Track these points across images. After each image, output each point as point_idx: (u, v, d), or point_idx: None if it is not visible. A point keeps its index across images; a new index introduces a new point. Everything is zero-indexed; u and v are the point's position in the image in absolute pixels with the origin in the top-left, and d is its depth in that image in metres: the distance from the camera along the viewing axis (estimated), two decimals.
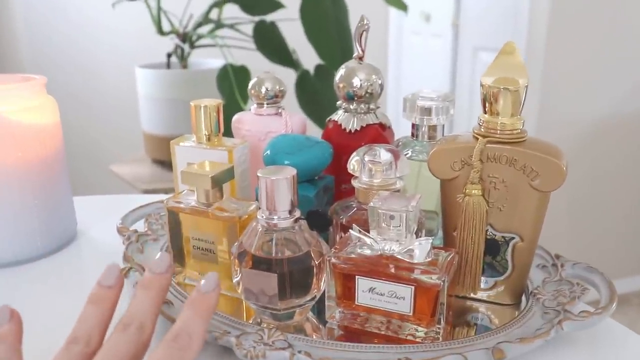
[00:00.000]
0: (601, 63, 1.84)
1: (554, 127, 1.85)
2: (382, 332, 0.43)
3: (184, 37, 1.61)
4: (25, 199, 0.57)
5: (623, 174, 1.99)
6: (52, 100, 0.60)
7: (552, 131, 1.83)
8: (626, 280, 2.08)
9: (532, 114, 1.83)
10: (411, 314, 0.42)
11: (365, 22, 0.55)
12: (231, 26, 1.58)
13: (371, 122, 0.56)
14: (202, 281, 0.35)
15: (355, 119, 0.56)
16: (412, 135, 0.56)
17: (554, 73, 1.82)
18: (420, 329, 0.42)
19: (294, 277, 0.43)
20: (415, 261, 0.41)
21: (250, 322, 0.45)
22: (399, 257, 0.41)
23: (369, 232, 0.42)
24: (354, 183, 0.48)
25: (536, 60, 1.81)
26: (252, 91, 0.59)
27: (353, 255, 0.42)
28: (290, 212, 0.42)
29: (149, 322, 0.34)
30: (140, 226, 0.60)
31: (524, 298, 0.49)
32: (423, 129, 0.55)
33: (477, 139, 0.44)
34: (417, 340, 0.42)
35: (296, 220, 0.43)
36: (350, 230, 0.43)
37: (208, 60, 1.75)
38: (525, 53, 1.83)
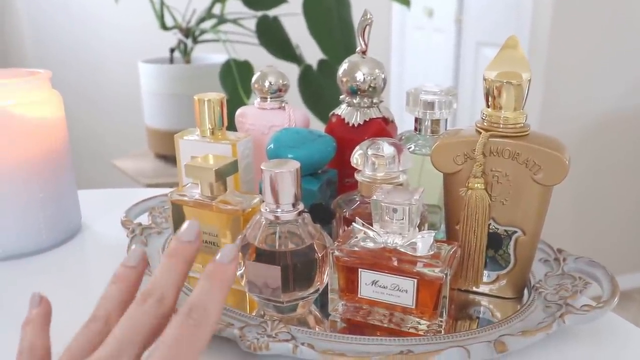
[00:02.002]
0: (604, 57, 1.83)
1: (557, 122, 1.85)
2: (385, 325, 0.44)
3: (187, 32, 1.61)
4: (30, 192, 0.57)
5: (626, 168, 1.99)
6: (57, 94, 0.60)
7: (555, 126, 1.83)
8: (629, 276, 2.07)
9: (535, 109, 1.83)
10: (414, 306, 0.42)
11: (368, 17, 0.55)
12: (234, 21, 1.58)
13: (374, 116, 0.56)
14: (220, 252, 0.34)
15: (359, 113, 0.56)
16: (415, 129, 0.56)
17: (556, 68, 1.81)
18: (422, 321, 0.42)
19: (297, 269, 0.43)
20: (418, 254, 0.41)
21: (254, 314, 0.45)
22: (401, 250, 0.41)
23: (372, 226, 0.43)
24: (357, 177, 0.48)
25: (539, 55, 1.81)
26: (256, 85, 0.60)
27: (356, 248, 0.43)
28: (294, 205, 0.43)
29: (171, 294, 0.33)
30: (144, 219, 0.60)
31: (526, 292, 0.49)
32: (426, 123, 0.55)
33: (480, 133, 0.44)
34: (420, 333, 0.42)
35: (299, 214, 0.43)
36: (353, 223, 0.44)
37: (211, 55, 1.75)
38: (528, 48, 1.82)
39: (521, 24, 1.87)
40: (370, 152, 0.46)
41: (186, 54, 1.64)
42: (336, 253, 0.43)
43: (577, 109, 1.87)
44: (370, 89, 0.55)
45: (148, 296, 0.32)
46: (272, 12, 1.49)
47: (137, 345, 0.30)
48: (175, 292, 0.33)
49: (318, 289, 0.45)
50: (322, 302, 0.47)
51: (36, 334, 0.33)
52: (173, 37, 1.63)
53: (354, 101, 0.56)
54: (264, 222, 0.43)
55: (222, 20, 1.58)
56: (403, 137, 0.56)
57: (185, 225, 0.36)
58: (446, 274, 0.40)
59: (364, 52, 0.56)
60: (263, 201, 0.43)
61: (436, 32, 2.59)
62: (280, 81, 0.59)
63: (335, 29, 1.39)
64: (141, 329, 0.31)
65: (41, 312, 0.34)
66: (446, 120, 0.55)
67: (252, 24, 1.50)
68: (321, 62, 1.47)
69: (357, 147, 0.48)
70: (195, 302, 0.31)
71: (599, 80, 1.86)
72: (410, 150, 0.54)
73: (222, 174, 0.48)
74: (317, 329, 0.44)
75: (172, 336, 0.29)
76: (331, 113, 0.59)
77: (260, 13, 1.49)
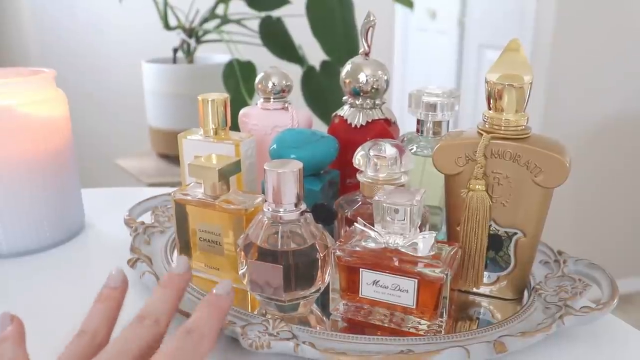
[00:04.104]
0: (607, 61, 1.83)
1: (559, 125, 1.85)
2: (386, 325, 0.44)
3: (191, 32, 1.61)
4: (34, 190, 0.58)
5: (628, 172, 1.99)
6: (62, 93, 0.60)
7: (558, 129, 1.83)
8: (629, 280, 2.07)
9: (538, 112, 1.83)
10: (414, 307, 0.42)
11: (371, 19, 0.55)
12: (237, 21, 1.58)
13: (377, 118, 0.56)
14: (217, 286, 0.37)
15: (361, 114, 0.56)
16: (417, 130, 0.56)
17: (559, 70, 1.81)
18: (423, 322, 0.43)
19: (299, 269, 0.43)
20: (419, 255, 0.41)
21: (256, 313, 0.45)
22: (402, 250, 0.42)
23: (373, 226, 0.43)
24: (359, 177, 0.48)
25: (542, 58, 1.81)
26: (259, 86, 0.60)
27: (357, 248, 0.43)
28: (296, 205, 0.43)
29: (165, 318, 0.35)
30: (147, 218, 0.61)
31: (526, 293, 0.49)
32: (428, 124, 0.55)
33: (482, 134, 0.45)
34: (420, 333, 0.43)
35: (302, 213, 0.44)
36: (355, 223, 0.44)
37: (214, 55, 1.76)
38: (531, 50, 1.83)
39: (524, 27, 1.87)
40: (372, 153, 0.47)
41: (189, 54, 1.65)
42: (338, 253, 0.43)
43: (579, 112, 1.87)
44: (372, 91, 0.56)
45: (143, 318, 0.34)
46: (275, 13, 1.49)
47: (131, 357, 0.32)
48: (168, 317, 0.35)
49: (319, 289, 0.45)
50: (323, 301, 0.47)
51: (16, 349, 0.34)
52: (176, 37, 1.63)
53: (357, 102, 0.57)
54: (266, 222, 0.44)
55: (225, 20, 1.59)
56: (405, 139, 0.57)
57: (176, 260, 0.40)
58: (447, 275, 0.41)
59: (366, 54, 0.56)
60: (265, 201, 0.44)
61: (439, 34, 2.59)
62: (284, 82, 0.60)
63: (338, 30, 1.39)
64: (137, 343, 0.33)
65: (15, 329, 0.35)
66: (448, 122, 0.55)
67: (255, 24, 1.51)
68: (324, 63, 1.48)
69: (359, 148, 0.48)
70: (193, 324, 0.33)
71: (601, 84, 1.86)
72: (412, 151, 0.55)
73: (225, 174, 0.48)
74: (318, 328, 0.44)
75: (171, 348, 0.32)
76: (334, 114, 0.59)
77: (263, 14, 1.49)
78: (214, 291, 0.36)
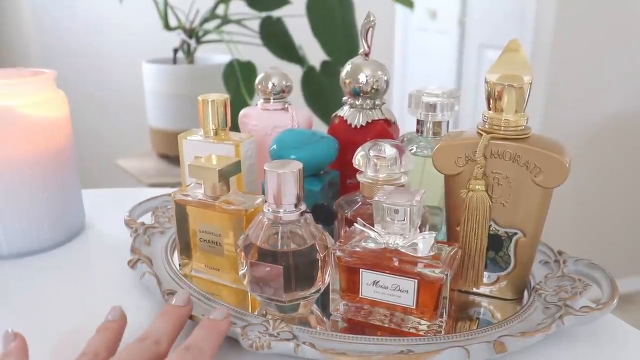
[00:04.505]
0: (607, 61, 1.83)
1: (559, 125, 1.85)
2: (386, 325, 0.44)
3: (191, 33, 1.61)
4: (35, 191, 0.58)
5: (628, 172, 1.98)
6: (62, 94, 0.60)
7: (558, 129, 1.83)
8: (629, 279, 2.07)
9: (538, 112, 1.83)
10: (414, 307, 0.42)
11: (371, 19, 0.55)
12: (237, 22, 1.58)
13: (377, 118, 0.56)
14: (212, 312, 0.39)
15: (361, 114, 0.56)
16: (417, 131, 0.56)
17: (560, 70, 1.81)
18: (423, 322, 0.43)
19: (299, 269, 0.43)
20: (419, 255, 0.41)
21: (256, 313, 0.45)
22: (402, 250, 0.42)
23: (373, 226, 0.43)
24: (359, 178, 0.48)
25: (542, 58, 1.81)
26: (259, 86, 0.60)
27: (357, 249, 0.43)
28: (296, 205, 0.43)
29: (166, 340, 0.36)
30: (148, 219, 0.61)
31: (526, 293, 0.49)
32: (428, 125, 0.55)
33: (481, 135, 0.45)
34: (420, 333, 0.43)
35: (302, 214, 0.44)
36: (354, 224, 0.44)
37: (214, 55, 1.76)
38: (532, 50, 1.82)
39: (525, 26, 1.87)
40: (372, 153, 0.47)
41: (189, 54, 1.65)
42: (338, 253, 0.43)
43: (579, 111, 1.87)
44: (372, 91, 0.56)
45: (145, 339, 0.36)
46: (275, 13, 1.49)
47: None
48: (170, 340, 0.37)
49: (319, 289, 0.45)
50: (323, 302, 0.47)
51: None
52: (176, 38, 1.64)
53: (357, 103, 0.57)
54: (266, 222, 0.44)
55: (225, 20, 1.59)
56: (405, 139, 0.57)
57: (177, 293, 0.42)
58: (446, 275, 0.41)
59: (366, 54, 0.56)
60: (265, 201, 0.44)
61: (439, 34, 2.59)
62: (284, 82, 0.60)
63: (339, 30, 1.39)
64: (137, 358, 0.34)
65: (19, 345, 0.36)
66: (448, 122, 0.55)
67: (255, 24, 1.51)
68: (324, 64, 1.48)
69: (359, 149, 0.48)
70: (192, 343, 0.35)
71: (601, 84, 1.86)
72: (412, 151, 0.55)
73: (225, 174, 0.49)
74: (318, 329, 0.44)
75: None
76: (334, 114, 0.59)
77: (263, 14, 1.49)
78: (210, 315, 0.38)
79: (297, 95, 1.34)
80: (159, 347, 0.35)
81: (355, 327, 0.45)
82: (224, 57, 1.66)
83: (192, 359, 0.34)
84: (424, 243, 0.41)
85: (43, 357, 0.36)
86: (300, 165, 0.43)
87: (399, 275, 0.42)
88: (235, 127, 0.60)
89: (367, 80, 0.55)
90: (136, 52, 2.05)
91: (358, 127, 0.56)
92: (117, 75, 2.20)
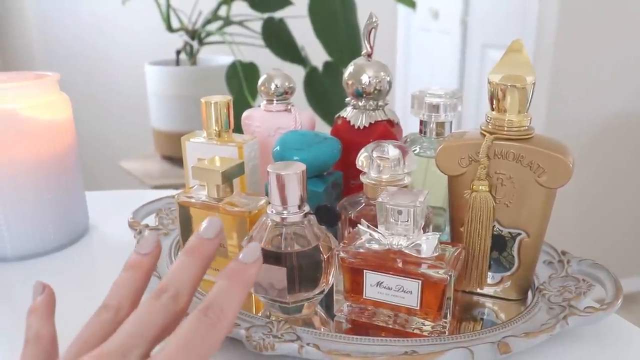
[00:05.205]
0: (610, 60, 1.83)
1: (562, 125, 1.84)
2: (390, 326, 0.44)
3: (193, 34, 1.62)
4: (38, 193, 0.58)
5: (631, 171, 1.98)
6: (65, 96, 0.61)
7: (561, 129, 1.83)
8: (634, 279, 2.07)
9: (541, 112, 1.83)
10: (418, 308, 0.42)
11: (374, 20, 0.55)
12: (240, 23, 1.58)
13: (380, 119, 0.56)
14: (243, 251, 0.33)
15: (364, 115, 0.56)
16: (420, 131, 0.56)
17: (562, 70, 1.81)
18: (427, 323, 0.43)
19: (303, 271, 0.43)
20: (423, 256, 0.41)
21: (260, 315, 0.46)
22: (406, 251, 0.42)
23: (377, 227, 0.43)
24: (363, 179, 0.48)
25: (545, 58, 1.80)
26: (262, 88, 0.60)
27: (361, 250, 0.43)
28: (300, 207, 0.43)
29: (186, 291, 0.32)
30: (151, 221, 0.61)
31: (530, 294, 0.49)
32: (431, 125, 0.55)
33: (485, 135, 0.45)
34: (424, 334, 0.43)
35: (305, 215, 0.44)
36: (358, 225, 0.44)
37: (217, 57, 1.76)
38: (534, 50, 1.82)
39: (527, 26, 1.87)
40: (375, 154, 0.47)
41: (192, 55, 1.65)
42: (341, 254, 0.43)
43: (582, 111, 1.87)
44: (375, 92, 0.56)
45: (162, 292, 0.32)
46: (277, 14, 1.49)
47: (148, 340, 0.30)
48: (190, 290, 0.32)
49: (323, 290, 0.45)
50: (327, 303, 0.47)
51: (41, 323, 0.33)
52: (179, 39, 1.64)
53: (360, 104, 0.57)
54: (270, 224, 0.44)
55: (228, 22, 1.59)
56: (408, 140, 0.57)
57: (206, 221, 0.35)
58: (450, 276, 0.41)
59: (369, 55, 0.56)
60: (269, 203, 0.44)
61: (442, 34, 2.59)
62: (286, 84, 0.60)
63: (341, 31, 1.39)
64: (153, 324, 0.30)
65: (45, 299, 0.34)
66: (451, 122, 0.55)
67: (257, 26, 1.51)
68: (327, 64, 1.48)
69: (363, 150, 0.48)
70: (213, 301, 0.30)
71: (604, 84, 1.85)
72: (415, 152, 0.55)
73: (229, 176, 0.49)
74: (322, 330, 0.44)
75: (186, 333, 0.29)
76: (337, 115, 0.59)
77: (266, 15, 1.50)
78: (240, 257, 0.33)
79: (299, 97, 1.34)
80: (178, 302, 0.31)
81: (359, 328, 0.45)
82: (227, 58, 1.66)
83: (209, 326, 0.29)
84: (427, 244, 0.41)
85: None
86: (303, 166, 0.43)
87: (403, 276, 0.42)
88: (238, 129, 0.60)
89: (369, 81, 0.55)
90: (139, 54, 2.06)
91: (361, 128, 0.56)
92: (120, 77, 2.20)
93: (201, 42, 1.65)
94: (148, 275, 0.35)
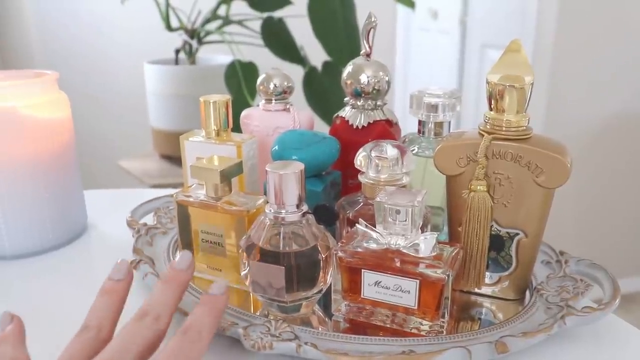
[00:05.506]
0: (609, 61, 1.83)
1: (561, 125, 1.84)
2: (387, 325, 0.44)
3: (192, 34, 1.62)
4: (37, 192, 0.58)
5: (630, 172, 1.98)
6: (64, 95, 0.61)
7: (560, 129, 1.83)
8: (632, 279, 2.07)
9: (540, 112, 1.83)
10: (416, 307, 0.42)
11: (372, 20, 0.55)
12: (239, 22, 1.58)
13: (378, 119, 0.56)
14: (212, 286, 0.37)
15: (363, 115, 0.56)
16: (419, 131, 0.56)
17: (561, 71, 1.81)
18: (424, 322, 0.43)
19: (301, 270, 0.43)
20: (421, 255, 0.41)
21: (258, 314, 0.46)
22: (404, 251, 0.42)
23: (375, 227, 0.43)
24: (361, 178, 0.48)
25: (544, 58, 1.81)
26: (261, 87, 0.60)
27: (359, 249, 0.43)
28: (298, 206, 0.43)
29: (166, 315, 0.35)
30: (150, 220, 0.61)
31: (527, 293, 0.49)
32: (429, 125, 0.55)
33: (483, 135, 0.45)
34: (422, 333, 0.43)
35: (304, 215, 0.44)
36: (356, 224, 0.44)
37: (216, 56, 1.76)
38: (533, 50, 1.82)
39: (526, 26, 1.87)
40: (373, 154, 0.47)
41: (191, 55, 1.65)
42: (339, 254, 0.43)
43: (581, 112, 1.87)
44: (374, 92, 0.56)
45: (145, 315, 0.35)
46: (277, 14, 1.49)
47: (134, 357, 0.32)
48: (169, 312, 0.36)
49: (321, 290, 0.45)
50: (325, 302, 0.47)
51: (15, 351, 0.34)
52: (178, 38, 1.64)
53: (358, 103, 0.57)
54: (268, 223, 0.44)
55: (227, 21, 1.59)
56: (406, 140, 0.57)
57: (179, 255, 0.39)
58: (448, 275, 0.41)
59: (368, 55, 0.56)
60: (267, 202, 0.44)
61: (441, 34, 2.59)
62: (285, 83, 0.60)
63: (340, 30, 1.39)
64: (138, 342, 0.33)
65: (15, 329, 0.35)
66: (449, 122, 0.55)
67: (257, 25, 1.51)
68: (326, 64, 1.48)
69: (361, 149, 0.48)
70: (191, 325, 0.34)
71: (603, 84, 1.85)
72: (414, 152, 0.55)
73: (227, 175, 0.49)
74: (320, 329, 0.44)
75: (172, 349, 0.32)
76: (335, 115, 0.59)
77: (265, 14, 1.50)
78: (209, 291, 0.37)
79: (298, 96, 1.34)
80: (159, 324, 0.34)
81: (357, 327, 0.45)
82: (226, 57, 1.66)
83: (190, 343, 0.33)
84: (425, 243, 0.41)
85: (44, 357, 0.36)
86: (302, 166, 0.43)
87: (401, 276, 0.42)
88: (237, 128, 0.60)
89: (368, 81, 0.55)
90: (138, 53, 2.05)
91: (360, 127, 0.56)
92: (119, 76, 2.20)
93: (200, 42, 1.65)
94: (123, 299, 0.37)
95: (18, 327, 0.35)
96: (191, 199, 0.50)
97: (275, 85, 0.59)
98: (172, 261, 0.39)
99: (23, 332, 0.35)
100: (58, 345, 0.34)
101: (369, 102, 0.56)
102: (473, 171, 0.45)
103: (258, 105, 0.62)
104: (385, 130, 0.56)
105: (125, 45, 2.17)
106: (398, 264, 0.42)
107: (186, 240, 0.51)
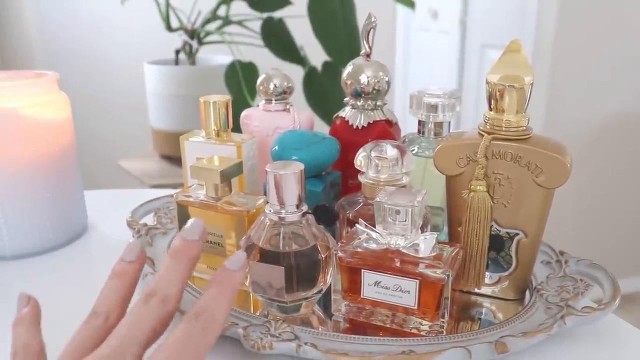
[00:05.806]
0: (609, 61, 1.83)
1: (561, 125, 1.84)
2: (387, 325, 0.44)
3: (192, 34, 1.62)
4: (37, 192, 0.58)
5: (629, 172, 1.98)
6: (64, 96, 0.61)
7: (560, 129, 1.83)
8: (632, 279, 2.07)
9: (540, 112, 1.83)
10: (416, 307, 0.42)
11: (372, 20, 0.55)
12: (239, 23, 1.58)
13: (378, 119, 0.56)
14: (229, 259, 0.34)
15: (363, 115, 0.56)
16: (419, 131, 0.56)
17: (561, 71, 1.81)
18: (424, 322, 0.43)
19: (301, 270, 0.43)
20: (421, 255, 0.41)
21: (258, 314, 0.46)
22: (404, 251, 0.42)
23: (375, 227, 0.43)
24: (361, 178, 0.48)
25: (544, 58, 1.81)
26: (261, 87, 0.60)
27: (359, 249, 0.43)
28: (298, 206, 0.43)
29: (174, 294, 0.33)
30: (150, 220, 0.61)
31: (527, 293, 0.49)
32: (429, 125, 0.55)
33: (483, 135, 0.45)
34: (422, 333, 0.43)
35: (303, 215, 0.44)
36: (356, 224, 0.44)
37: (216, 56, 1.76)
38: (533, 50, 1.82)
39: (526, 26, 1.87)
40: (373, 154, 0.47)
41: (191, 55, 1.65)
42: (339, 254, 0.43)
43: (581, 112, 1.87)
44: (374, 92, 0.56)
45: (151, 296, 0.32)
46: (277, 14, 1.49)
47: (140, 343, 0.30)
48: (178, 291, 0.33)
49: (321, 290, 0.45)
50: (325, 302, 0.47)
51: (29, 334, 0.33)
52: (178, 39, 1.64)
53: (358, 104, 0.57)
54: (268, 223, 0.44)
55: (227, 21, 1.59)
56: (406, 140, 0.57)
57: (189, 223, 0.36)
58: (448, 275, 0.41)
59: (368, 55, 0.57)
60: (267, 202, 0.44)
61: (441, 34, 2.59)
62: (285, 83, 0.60)
63: (340, 31, 1.40)
64: (144, 327, 0.31)
65: (31, 311, 0.34)
66: (449, 122, 0.55)
67: (257, 25, 1.51)
68: (326, 64, 1.48)
69: (361, 149, 0.48)
70: (202, 307, 0.31)
71: (603, 84, 1.86)
72: (414, 152, 0.55)
73: (227, 176, 0.49)
74: (320, 329, 0.44)
75: (179, 337, 0.30)
76: (335, 115, 0.59)
77: (265, 15, 1.50)
78: (226, 265, 0.34)
79: (298, 96, 1.34)
80: (166, 305, 0.32)
81: (357, 327, 0.45)
82: (226, 58, 1.66)
83: (201, 330, 0.30)
84: (425, 243, 0.41)
85: None
86: (302, 166, 0.43)
87: (401, 276, 0.42)
88: (237, 128, 0.60)
89: (368, 81, 0.56)
90: (138, 53, 2.05)
91: (359, 128, 0.56)
92: (119, 76, 2.20)
93: (200, 42, 1.65)
94: (134, 282, 0.35)
95: (34, 310, 0.34)
96: (191, 199, 0.50)
97: (275, 85, 0.59)
98: (182, 229, 0.35)
99: (39, 315, 0.35)
100: (58, 345, 0.34)
101: (369, 102, 0.56)
102: (473, 171, 0.45)
103: (258, 106, 0.62)
104: (385, 130, 0.56)
105: (125, 45, 2.17)
106: (398, 264, 0.42)
107: None
